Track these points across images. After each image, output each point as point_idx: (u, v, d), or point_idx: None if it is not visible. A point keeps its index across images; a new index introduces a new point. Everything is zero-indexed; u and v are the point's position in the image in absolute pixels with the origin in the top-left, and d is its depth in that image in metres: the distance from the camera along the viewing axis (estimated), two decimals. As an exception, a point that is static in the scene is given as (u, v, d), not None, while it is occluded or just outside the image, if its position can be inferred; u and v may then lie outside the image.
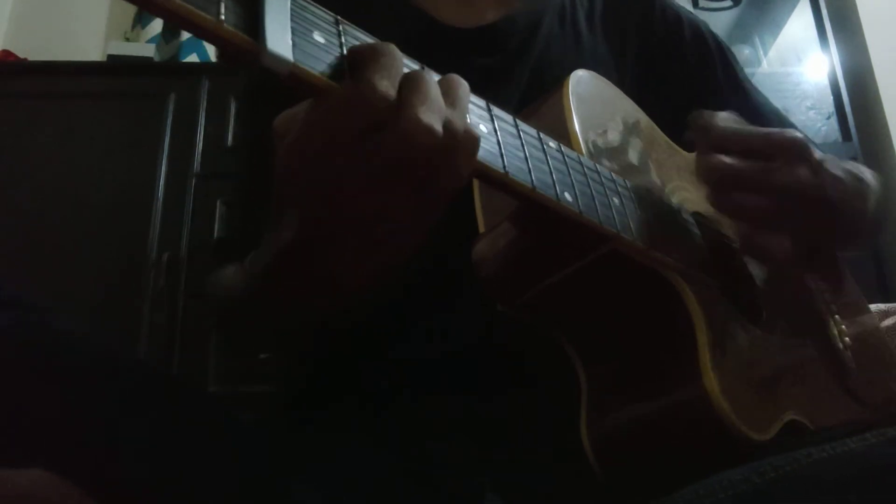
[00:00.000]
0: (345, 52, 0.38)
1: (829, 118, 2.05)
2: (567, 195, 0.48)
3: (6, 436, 0.40)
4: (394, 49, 0.39)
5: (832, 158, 0.60)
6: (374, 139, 0.38)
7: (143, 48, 2.15)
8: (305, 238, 0.43)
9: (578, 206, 0.48)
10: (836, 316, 0.75)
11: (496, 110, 0.46)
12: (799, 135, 0.57)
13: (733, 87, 0.86)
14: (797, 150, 0.55)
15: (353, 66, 0.37)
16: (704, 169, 0.54)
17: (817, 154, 0.56)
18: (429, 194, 0.40)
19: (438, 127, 0.38)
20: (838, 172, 0.58)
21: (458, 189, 0.41)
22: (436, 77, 0.41)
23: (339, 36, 0.38)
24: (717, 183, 0.54)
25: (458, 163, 0.40)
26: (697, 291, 0.56)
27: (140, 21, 2.29)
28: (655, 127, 0.71)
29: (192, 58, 2.21)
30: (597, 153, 0.57)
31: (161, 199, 1.76)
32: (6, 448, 0.39)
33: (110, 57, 2.08)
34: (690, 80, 0.83)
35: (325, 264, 0.44)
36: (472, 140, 0.40)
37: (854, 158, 1.87)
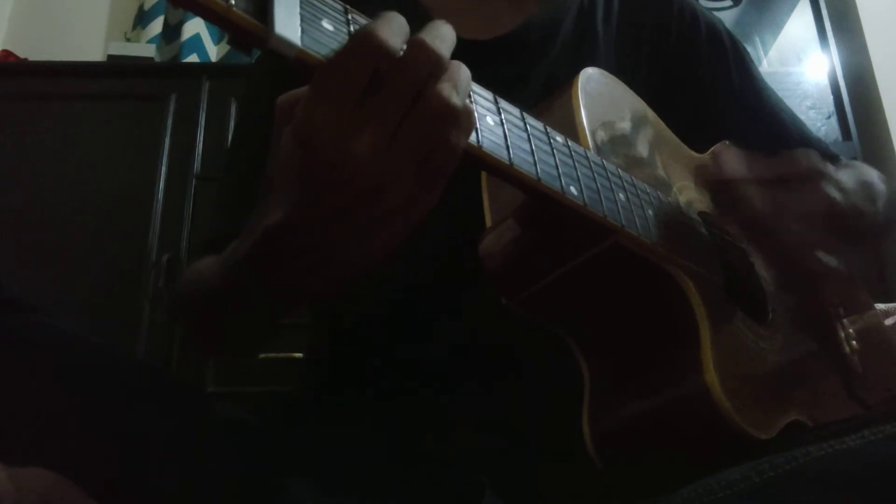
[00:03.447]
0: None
1: (829, 118, 2.05)
2: (572, 188, 0.48)
3: (8, 435, 0.40)
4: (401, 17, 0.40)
5: (844, 169, 0.65)
6: (384, 100, 0.38)
7: (144, 48, 2.15)
8: (297, 217, 0.42)
9: (583, 199, 0.49)
10: (843, 315, 0.75)
11: (503, 103, 0.46)
12: (809, 160, 0.60)
13: (747, 90, 0.85)
14: (809, 175, 0.60)
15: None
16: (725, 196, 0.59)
17: (828, 171, 0.60)
18: (427, 168, 0.40)
19: (457, 101, 0.39)
20: (849, 185, 0.63)
21: (452, 169, 0.41)
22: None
23: (348, 24, 0.40)
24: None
25: (455, 138, 0.40)
26: (702, 289, 0.56)
27: (141, 21, 2.29)
28: (664, 125, 0.70)
29: (193, 58, 2.21)
30: (604, 149, 0.57)
31: (161, 200, 1.75)
32: (8, 447, 0.40)
33: (110, 57, 2.07)
34: (704, 81, 0.82)
35: (313, 246, 0.43)
36: (469, 116, 0.41)
37: (854, 158, 1.87)
